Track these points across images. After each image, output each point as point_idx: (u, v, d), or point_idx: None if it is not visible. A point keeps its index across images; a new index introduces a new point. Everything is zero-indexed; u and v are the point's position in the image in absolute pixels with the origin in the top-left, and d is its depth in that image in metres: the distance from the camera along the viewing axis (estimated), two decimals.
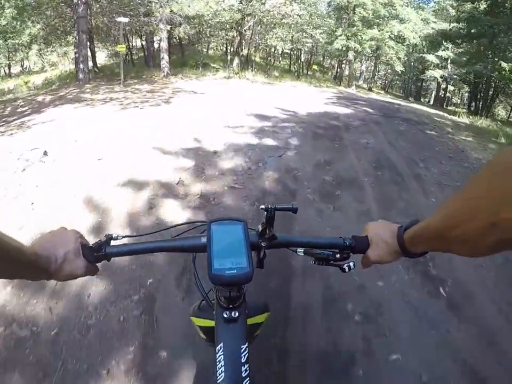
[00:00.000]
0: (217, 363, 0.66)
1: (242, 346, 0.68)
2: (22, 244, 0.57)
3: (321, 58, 35.58)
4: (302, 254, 0.77)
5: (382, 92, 29.04)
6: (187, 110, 7.61)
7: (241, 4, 15.34)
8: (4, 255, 0.51)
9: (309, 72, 27.24)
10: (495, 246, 0.43)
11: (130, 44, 23.33)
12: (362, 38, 20.63)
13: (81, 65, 13.04)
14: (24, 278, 0.61)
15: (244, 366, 0.66)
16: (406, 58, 21.48)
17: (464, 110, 19.65)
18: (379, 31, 20.79)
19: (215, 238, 0.70)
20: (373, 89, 29.71)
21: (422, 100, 35.12)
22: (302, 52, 27.90)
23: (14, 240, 0.54)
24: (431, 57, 22.92)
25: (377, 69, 31.84)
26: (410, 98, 26.10)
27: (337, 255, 0.73)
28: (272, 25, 19.54)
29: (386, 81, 40.92)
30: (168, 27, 14.15)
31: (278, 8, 15.71)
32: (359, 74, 35.28)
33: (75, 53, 13.36)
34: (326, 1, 22.96)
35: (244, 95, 10.83)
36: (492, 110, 25.85)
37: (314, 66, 21.91)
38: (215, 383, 0.64)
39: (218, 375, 0.65)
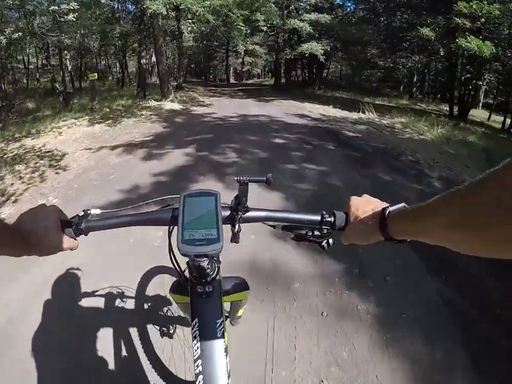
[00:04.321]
0: (193, 339, 0.66)
1: (217, 321, 0.68)
2: (3, 221, 0.59)
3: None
4: (281, 230, 0.76)
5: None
6: None
7: None
8: None
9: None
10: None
11: None
12: None
13: None
14: (5, 254, 0.60)
15: (220, 341, 0.66)
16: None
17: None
18: None
19: (187, 209, 0.69)
20: (183, 85, 21.00)
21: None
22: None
23: None
24: (301, 24, 15.84)
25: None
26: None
27: (316, 232, 0.72)
28: None
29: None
30: None
31: None
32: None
33: None
34: None
35: None
36: None
37: (93, 75, 10.63)
38: (192, 358, 0.66)
39: (194, 351, 0.65)
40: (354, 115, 10.25)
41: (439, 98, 23.96)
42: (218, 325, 0.67)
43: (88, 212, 0.73)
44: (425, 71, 23.06)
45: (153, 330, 1.74)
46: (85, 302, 1.95)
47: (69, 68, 22.73)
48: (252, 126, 7.79)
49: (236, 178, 0.69)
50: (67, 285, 2.16)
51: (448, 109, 17.62)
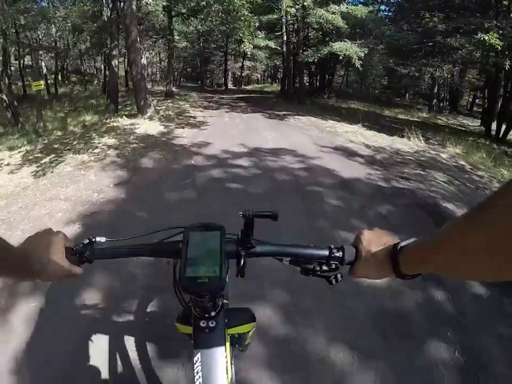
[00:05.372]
0: (195, 374, 0.65)
1: (221, 356, 0.67)
2: (9, 244, 0.56)
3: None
4: (288, 263, 0.71)
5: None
6: None
7: None
8: None
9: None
10: None
11: None
12: None
13: None
14: (9, 278, 0.58)
15: (223, 375, 0.65)
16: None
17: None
18: None
19: (191, 244, 0.65)
20: (174, 91, 18.19)
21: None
22: None
23: (2, 240, 0.53)
24: (331, 17, 12.74)
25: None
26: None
27: (324, 266, 0.67)
28: None
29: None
30: None
31: None
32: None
33: None
34: None
35: None
36: None
37: (37, 84, 7.88)
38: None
39: None
40: (402, 144, 7.42)
41: (455, 111, 21.87)
42: (221, 360, 0.65)
43: (93, 240, 0.71)
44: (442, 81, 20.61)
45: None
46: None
47: (44, 70, 19.86)
48: (278, 188, 4.07)
49: (241, 213, 0.64)
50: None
51: (470, 122, 15.57)
